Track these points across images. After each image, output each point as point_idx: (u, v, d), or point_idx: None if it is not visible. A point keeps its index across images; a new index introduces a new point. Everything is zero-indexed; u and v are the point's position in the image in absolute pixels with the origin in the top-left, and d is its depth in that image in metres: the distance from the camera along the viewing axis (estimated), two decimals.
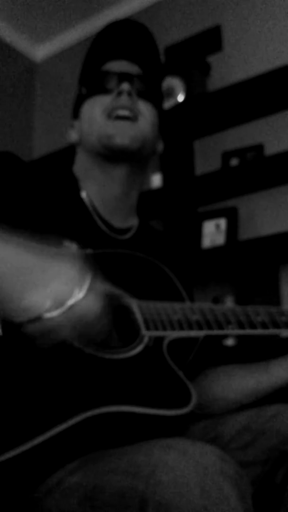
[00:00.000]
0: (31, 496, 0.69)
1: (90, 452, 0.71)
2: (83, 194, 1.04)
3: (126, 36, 1.07)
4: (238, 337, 2.19)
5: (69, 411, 0.68)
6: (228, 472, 0.60)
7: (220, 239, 2.37)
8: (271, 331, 0.92)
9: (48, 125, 3.35)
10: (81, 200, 1.04)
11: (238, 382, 0.98)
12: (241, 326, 0.91)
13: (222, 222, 2.40)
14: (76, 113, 1.10)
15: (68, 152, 1.14)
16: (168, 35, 2.84)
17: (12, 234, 0.73)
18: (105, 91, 1.03)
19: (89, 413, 0.68)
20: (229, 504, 0.57)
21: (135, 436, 0.71)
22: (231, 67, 2.65)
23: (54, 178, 1.04)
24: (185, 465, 0.59)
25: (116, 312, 0.87)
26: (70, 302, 0.67)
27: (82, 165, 1.08)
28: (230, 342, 2.18)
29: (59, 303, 0.67)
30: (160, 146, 1.13)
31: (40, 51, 3.46)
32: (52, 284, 0.68)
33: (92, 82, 1.06)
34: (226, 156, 2.50)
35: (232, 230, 2.37)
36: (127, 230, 1.07)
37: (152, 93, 1.06)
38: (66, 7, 3.15)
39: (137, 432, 0.73)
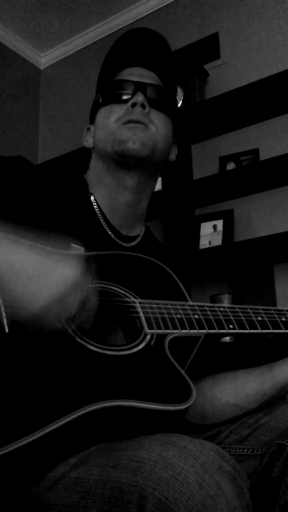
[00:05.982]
0: (34, 490, 0.68)
1: (91, 446, 0.71)
2: (92, 200, 1.04)
3: (143, 44, 1.06)
4: (235, 334, 2.20)
5: (71, 405, 0.67)
6: (226, 469, 0.60)
7: (217, 240, 2.39)
8: (271, 331, 0.91)
9: (52, 128, 3.39)
10: (89, 205, 1.03)
11: (239, 383, 0.95)
12: (241, 326, 0.91)
13: (219, 224, 2.42)
14: (92, 119, 1.10)
15: (77, 157, 1.11)
16: None
17: (17, 234, 0.74)
18: (120, 100, 1.02)
19: (91, 408, 0.67)
20: (227, 500, 0.57)
21: (135, 430, 0.71)
22: (228, 74, 2.67)
23: (63, 183, 1.03)
24: (184, 461, 0.59)
25: (120, 311, 0.87)
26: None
27: (95, 170, 1.07)
28: (227, 338, 2.19)
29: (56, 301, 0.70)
30: (173, 154, 1.12)
31: (44, 58, 3.52)
32: (47, 287, 0.70)
33: (108, 90, 1.04)
34: (223, 160, 2.52)
35: (228, 231, 2.39)
36: (133, 238, 1.07)
37: (166, 102, 1.05)
38: (67, 18, 3.20)
39: (137, 426, 0.72)
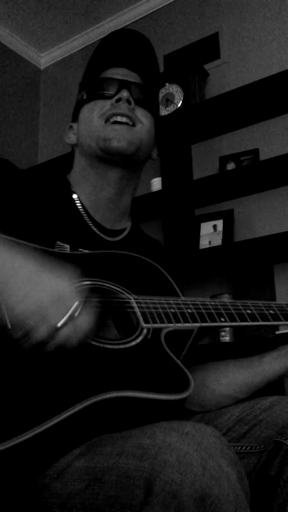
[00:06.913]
0: (40, 481, 0.69)
1: (95, 436, 0.72)
2: (74, 197, 1.05)
3: (127, 45, 1.08)
4: (235, 335, 2.23)
5: (75, 397, 0.69)
6: (228, 453, 0.62)
7: (217, 240, 2.40)
8: (260, 323, 0.95)
9: (52, 128, 3.40)
10: (72, 203, 1.04)
11: (231, 375, 0.98)
12: (232, 319, 0.93)
13: (219, 224, 2.43)
14: (75, 117, 1.11)
15: (68, 158, 1.12)
16: (167, 43, 2.86)
17: (6, 240, 0.76)
18: (104, 96, 1.03)
19: (94, 399, 0.69)
20: (230, 481, 0.59)
21: (137, 420, 0.73)
22: (228, 74, 2.68)
23: (46, 184, 1.05)
24: (187, 446, 0.60)
25: (116, 307, 0.89)
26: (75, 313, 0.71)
27: (78, 167, 1.09)
28: (227, 338, 2.22)
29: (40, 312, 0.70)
30: (155, 153, 1.14)
31: (44, 58, 3.54)
32: (34, 293, 0.70)
33: (92, 87, 1.06)
34: (223, 160, 2.52)
35: (228, 231, 2.40)
36: (119, 232, 1.08)
37: (150, 101, 1.07)
38: (67, 19, 3.23)
39: (139, 416, 0.74)
